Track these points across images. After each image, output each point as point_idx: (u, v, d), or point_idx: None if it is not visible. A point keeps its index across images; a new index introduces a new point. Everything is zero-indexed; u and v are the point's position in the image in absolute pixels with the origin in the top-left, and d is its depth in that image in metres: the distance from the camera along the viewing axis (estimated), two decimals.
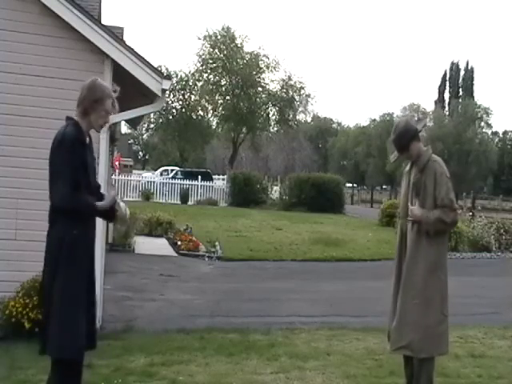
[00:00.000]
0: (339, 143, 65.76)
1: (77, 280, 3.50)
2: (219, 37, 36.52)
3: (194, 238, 15.03)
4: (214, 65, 36.65)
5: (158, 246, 14.47)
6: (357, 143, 60.74)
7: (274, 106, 37.99)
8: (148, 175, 41.04)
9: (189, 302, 8.97)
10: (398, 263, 4.47)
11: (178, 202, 28.81)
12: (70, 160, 3.47)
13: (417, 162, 4.46)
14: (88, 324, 3.56)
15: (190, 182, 30.25)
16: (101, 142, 6.61)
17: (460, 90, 64.25)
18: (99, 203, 3.61)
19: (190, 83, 39.49)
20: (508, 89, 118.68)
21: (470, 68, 64.95)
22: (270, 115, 38.85)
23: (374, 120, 61.29)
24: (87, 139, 3.69)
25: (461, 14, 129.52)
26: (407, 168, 4.63)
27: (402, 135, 4.44)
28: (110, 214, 3.73)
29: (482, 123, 55.57)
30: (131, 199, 26.94)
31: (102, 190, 3.92)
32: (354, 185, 59.58)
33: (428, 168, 4.38)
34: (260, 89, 37.47)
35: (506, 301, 9.41)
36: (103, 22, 9.94)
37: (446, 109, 61.19)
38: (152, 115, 38.47)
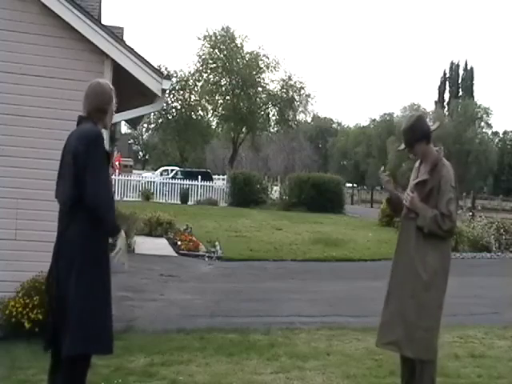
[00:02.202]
0: (339, 143, 65.87)
1: (98, 279, 3.51)
2: (219, 37, 36.56)
3: (194, 238, 15.03)
4: (214, 65, 36.70)
5: (158, 245, 14.46)
6: (357, 143, 60.82)
7: (274, 106, 38.03)
8: (148, 175, 41.00)
9: (189, 302, 8.96)
10: (397, 260, 4.38)
11: (178, 202, 28.77)
12: (104, 159, 3.55)
13: (425, 161, 4.34)
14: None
15: (190, 182, 30.21)
16: None
17: (460, 89, 64.26)
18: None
19: (190, 83, 39.51)
20: (508, 89, 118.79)
21: (469, 68, 65.02)
22: (270, 115, 38.97)
23: (374, 120, 61.43)
24: None
25: (460, 14, 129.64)
26: (417, 164, 4.50)
27: (413, 128, 4.28)
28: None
29: (482, 123, 55.65)
30: (131, 199, 26.95)
31: None
32: (354, 185, 59.57)
33: (436, 171, 4.24)
34: (260, 89, 37.53)
35: (505, 301, 9.39)
36: (103, 22, 9.94)
37: (446, 109, 61.18)
38: (152, 115, 38.51)
